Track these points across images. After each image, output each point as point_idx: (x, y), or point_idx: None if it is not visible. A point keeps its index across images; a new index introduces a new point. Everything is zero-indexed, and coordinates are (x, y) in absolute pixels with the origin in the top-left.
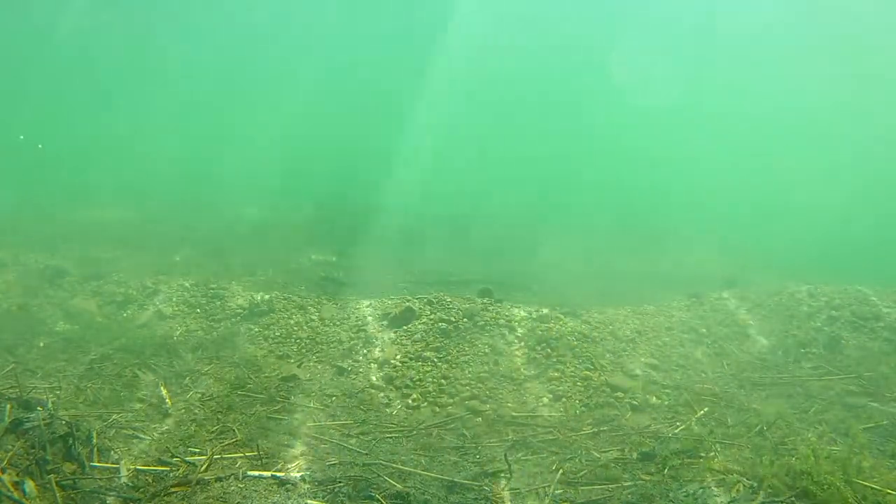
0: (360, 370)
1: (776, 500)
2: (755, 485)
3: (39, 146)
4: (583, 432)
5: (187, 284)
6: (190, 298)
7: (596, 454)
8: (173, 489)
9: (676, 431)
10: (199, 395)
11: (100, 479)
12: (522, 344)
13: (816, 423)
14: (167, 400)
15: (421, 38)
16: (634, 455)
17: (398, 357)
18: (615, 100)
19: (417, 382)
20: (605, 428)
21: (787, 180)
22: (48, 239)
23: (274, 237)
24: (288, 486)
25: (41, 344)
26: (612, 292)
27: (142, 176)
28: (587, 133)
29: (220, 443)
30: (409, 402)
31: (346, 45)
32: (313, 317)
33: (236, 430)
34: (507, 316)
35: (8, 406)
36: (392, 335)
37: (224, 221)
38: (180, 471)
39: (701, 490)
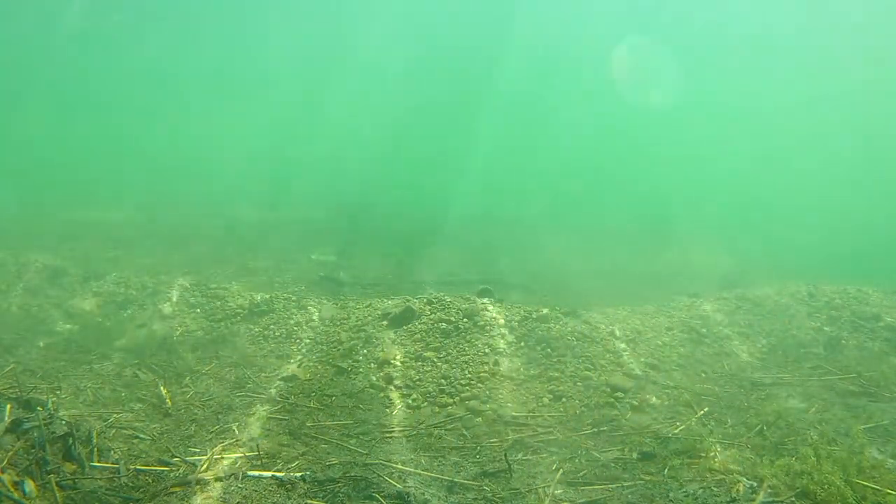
0: (360, 370)
1: (776, 500)
2: (755, 485)
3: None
4: (583, 432)
5: (187, 284)
6: (190, 298)
7: (596, 454)
8: (173, 489)
9: (676, 431)
10: (199, 395)
11: (100, 479)
12: (522, 344)
13: (816, 423)
14: (167, 400)
15: (421, 38)
16: (634, 455)
17: (398, 357)
18: (616, 98)
19: (417, 382)
20: (605, 428)
21: (788, 180)
22: (48, 239)
23: (274, 237)
24: (288, 486)
25: (41, 344)
26: (612, 292)
27: (142, 176)
28: (589, 132)
29: (220, 443)
30: (409, 402)
31: (347, 52)
32: (313, 317)
33: (236, 430)
34: (507, 316)
35: (8, 406)
36: (392, 335)
37: (224, 222)
38: (180, 471)
39: (701, 490)
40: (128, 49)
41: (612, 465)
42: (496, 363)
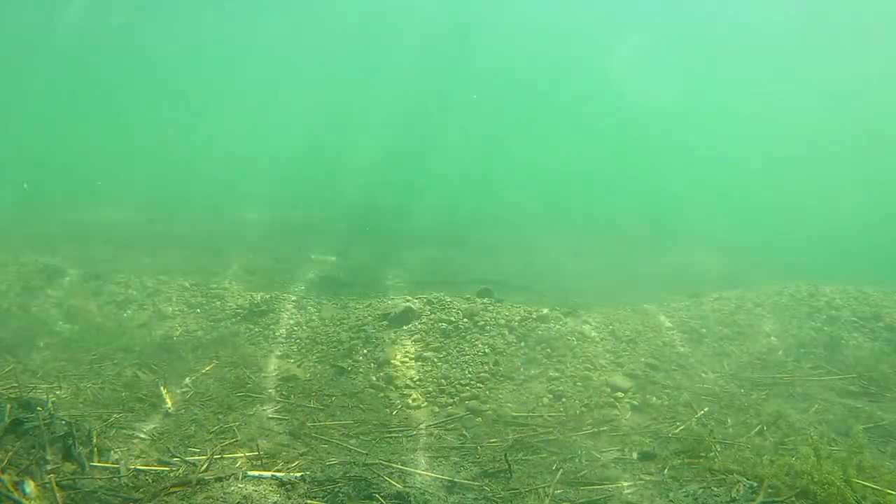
0: (360, 370)
1: (776, 500)
2: (755, 485)
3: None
4: (583, 432)
5: (187, 284)
6: (190, 298)
7: (596, 454)
8: (173, 489)
9: (676, 431)
10: (199, 395)
11: (100, 479)
12: (522, 344)
13: (816, 423)
14: (167, 400)
15: (422, 38)
16: (634, 455)
17: (398, 357)
18: (616, 97)
19: (417, 382)
20: (605, 428)
21: (788, 180)
22: (48, 239)
23: (274, 237)
24: (288, 486)
25: (41, 344)
26: (612, 292)
27: (142, 176)
28: (589, 132)
29: (220, 443)
30: (409, 402)
31: (347, 52)
32: (313, 317)
33: (236, 430)
34: (507, 316)
35: (8, 406)
36: (392, 335)
37: (224, 222)
38: (180, 471)
39: (701, 490)
40: (129, 49)
41: (612, 465)
42: (496, 363)
